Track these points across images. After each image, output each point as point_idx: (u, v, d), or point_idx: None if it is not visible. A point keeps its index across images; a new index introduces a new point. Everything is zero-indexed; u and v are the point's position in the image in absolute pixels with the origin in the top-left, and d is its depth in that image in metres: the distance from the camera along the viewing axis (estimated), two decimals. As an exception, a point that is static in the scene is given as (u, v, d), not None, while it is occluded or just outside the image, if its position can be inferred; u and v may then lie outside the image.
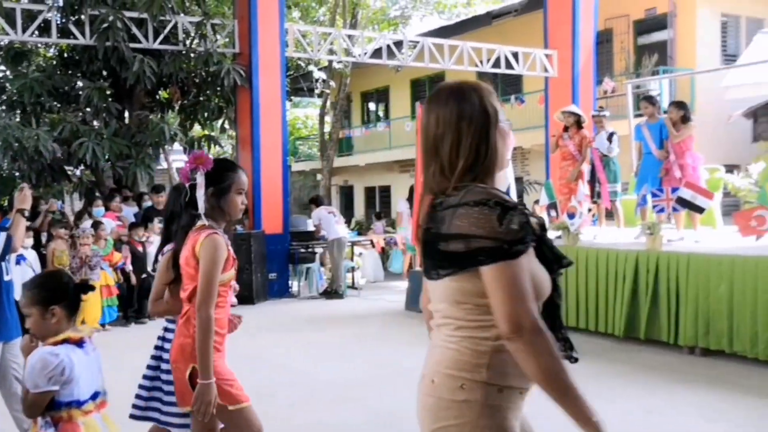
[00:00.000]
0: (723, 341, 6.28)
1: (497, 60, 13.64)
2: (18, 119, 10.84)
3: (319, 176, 23.90)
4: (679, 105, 8.50)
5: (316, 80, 18.93)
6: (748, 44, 14.91)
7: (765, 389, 5.46)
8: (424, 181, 1.92)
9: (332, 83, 19.79)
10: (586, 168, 9.43)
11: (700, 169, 8.41)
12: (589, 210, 9.64)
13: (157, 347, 3.36)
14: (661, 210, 8.15)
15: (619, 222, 9.25)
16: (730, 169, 11.40)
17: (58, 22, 10.79)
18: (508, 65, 13.74)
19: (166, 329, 3.35)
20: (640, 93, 13.05)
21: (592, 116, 9.60)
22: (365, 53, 12.99)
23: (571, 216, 8.36)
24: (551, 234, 9.08)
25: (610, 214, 9.54)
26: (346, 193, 25.17)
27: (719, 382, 5.72)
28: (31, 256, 8.31)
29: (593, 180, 9.40)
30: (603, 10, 14.36)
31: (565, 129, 9.49)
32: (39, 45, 12.48)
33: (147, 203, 11.03)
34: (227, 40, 11.70)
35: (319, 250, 12.04)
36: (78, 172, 12.41)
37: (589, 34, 13.78)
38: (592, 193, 9.35)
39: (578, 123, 9.39)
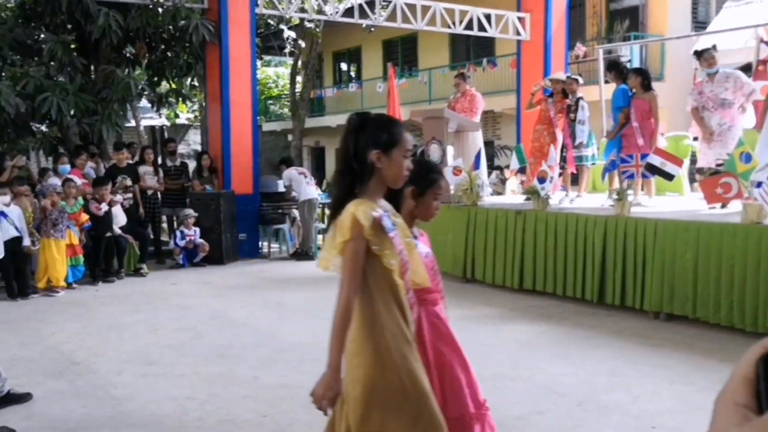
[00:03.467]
0: (687, 306, 6.38)
1: (470, 22, 13.52)
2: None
3: (290, 137, 23.66)
4: (637, 71, 8.54)
5: (287, 39, 18.63)
6: (717, 12, 14.97)
7: (726, 353, 5.58)
8: None
9: (302, 43, 19.48)
10: (560, 135, 9.46)
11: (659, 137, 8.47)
12: (560, 175, 9.70)
13: None
14: (631, 176, 8.23)
15: (581, 188, 9.32)
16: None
17: (20, -29, 10.44)
18: (481, 27, 13.63)
19: None
20: (612, 58, 13.06)
21: (566, 78, 9.60)
22: (337, 12, 12.77)
23: (542, 180, 8.39)
24: (520, 198, 9.17)
25: (575, 180, 9.60)
26: (317, 155, 25.01)
27: (682, 346, 5.83)
28: (14, 213, 8.18)
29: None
30: (577, -27, 14.30)
31: (550, 95, 9.51)
32: (-1, -5, 12.07)
33: (112, 161, 10.84)
34: (196, -6, 11.42)
35: (289, 211, 11.95)
36: (43, 128, 12.11)
37: (562, -2, 13.71)
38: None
39: (564, 91, 9.41)
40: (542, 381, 5.04)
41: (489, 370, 5.26)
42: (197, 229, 10.46)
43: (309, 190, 11.30)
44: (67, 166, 9.86)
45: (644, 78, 8.32)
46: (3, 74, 11.19)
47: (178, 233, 10.52)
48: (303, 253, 11.20)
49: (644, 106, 8.17)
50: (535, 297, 7.88)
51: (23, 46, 11.41)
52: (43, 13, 11.29)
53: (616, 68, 8.90)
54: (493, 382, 5.04)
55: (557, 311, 7.26)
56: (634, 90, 8.32)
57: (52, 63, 11.20)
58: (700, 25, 15.28)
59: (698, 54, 8.04)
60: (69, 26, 11.28)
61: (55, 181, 9.48)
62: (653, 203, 8.10)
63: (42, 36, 11.03)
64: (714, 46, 7.89)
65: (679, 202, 8.67)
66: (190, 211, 10.55)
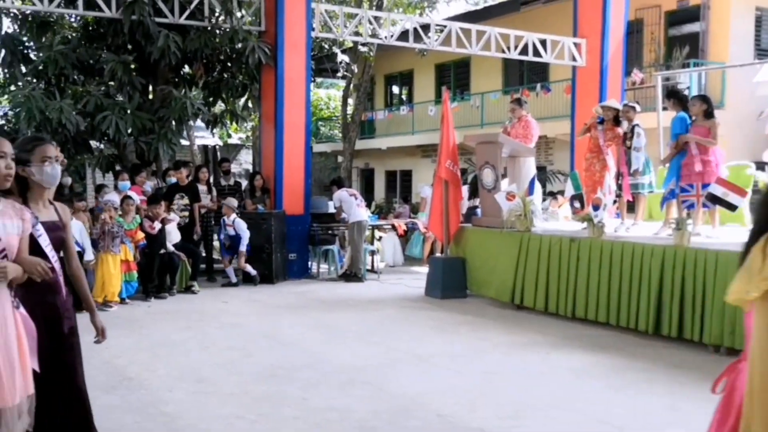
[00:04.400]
0: (749, 341, 6.14)
1: (524, 47, 13.46)
2: (42, 90, 10.80)
3: (339, 158, 23.82)
4: (701, 98, 8.33)
5: (340, 62, 18.81)
6: (782, 39, 14.60)
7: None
8: None
9: (355, 66, 19.64)
10: (612, 162, 9.30)
11: (722, 166, 8.22)
12: (614, 202, 9.52)
13: None
14: (691, 206, 8.01)
15: (638, 216, 9.11)
16: (761, 165, 11.18)
17: (85, -6, 10.75)
18: (536, 53, 13.55)
19: None
20: (670, 85, 12.83)
21: (623, 106, 9.44)
22: (391, 36, 12.85)
23: (596, 208, 8.23)
24: (576, 225, 8.99)
25: (632, 208, 9.40)
26: (367, 176, 25.08)
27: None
28: (76, 228, 8.39)
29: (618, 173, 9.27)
30: (634, -1, 14.13)
31: (601, 122, 9.38)
32: (64, 16, 12.44)
33: (171, 179, 11.02)
34: (253, 17, 11.61)
35: (338, 232, 11.98)
36: (101, 146, 12.40)
37: (619, 24, 13.54)
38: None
39: (616, 118, 9.27)
40: (597, 413, 4.89)
41: (541, 400, 5.14)
42: (241, 225, 10.43)
43: (359, 212, 11.30)
44: (127, 183, 10.07)
45: (708, 105, 8.12)
46: (65, 93, 11.51)
47: (221, 223, 10.61)
48: (352, 275, 11.18)
49: (703, 134, 7.97)
50: (587, 326, 7.70)
51: (85, 65, 11.73)
52: (105, 33, 11.62)
53: (675, 96, 8.72)
54: (545, 411, 4.92)
55: (611, 341, 7.07)
56: (694, 117, 8.12)
57: (112, 82, 11.50)
58: (762, 52, 14.91)
59: None
60: (129, 47, 11.58)
61: (113, 196, 9.68)
62: (717, 234, 7.85)
63: (103, 56, 11.32)
64: None
65: (740, 233, 8.38)
66: (231, 200, 10.59)
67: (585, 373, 5.89)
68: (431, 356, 6.44)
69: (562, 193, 11.95)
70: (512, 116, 10.27)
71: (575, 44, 13.72)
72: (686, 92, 13.18)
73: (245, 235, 10.37)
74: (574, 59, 13.76)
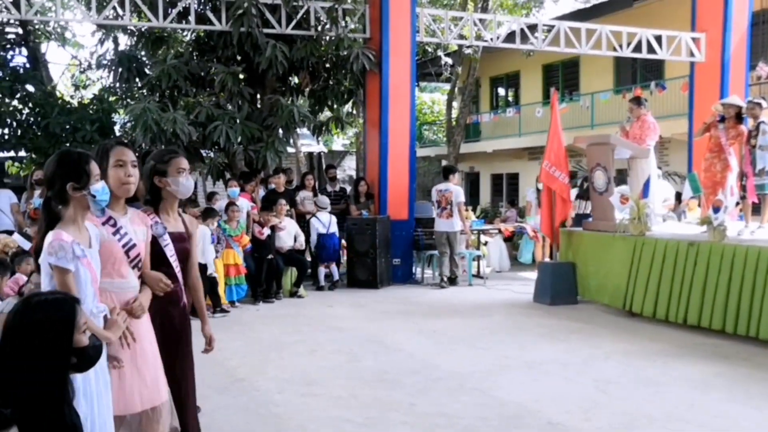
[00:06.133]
0: None
1: (638, 44, 12.92)
2: (157, 103, 11.30)
3: (444, 162, 23.72)
4: None
5: (444, 65, 18.71)
6: None
7: None
8: None
9: (459, 69, 19.47)
10: (734, 161, 8.77)
11: None
12: (737, 204, 8.97)
13: None
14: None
15: (764, 219, 8.52)
16: None
17: (197, 8, 11.16)
18: (650, 49, 12.99)
19: None
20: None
21: (747, 102, 8.89)
22: (497, 38, 12.64)
23: (716, 210, 7.76)
24: (697, 228, 8.52)
25: (757, 210, 8.81)
26: (472, 180, 24.84)
27: None
28: (204, 234, 8.79)
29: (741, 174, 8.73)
30: (759, -12, 13.31)
31: (722, 120, 8.87)
32: (177, 31, 12.98)
33: (272, 185, 11.27)
34: (358, 25, 11.71)
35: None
36: (211, 154, 12.85)
37: (743, 15, 12.76)
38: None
39: (738, 115, 8.75)
40: (721, 426, 4.57)
41: (662, 411, 4.86)
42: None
43: (438, 221, 11.09)
44: (236, 190, 10.35)
45: None
46: (178, 104, 12.00)
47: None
48: (450, 279, 10.98)
49: None
50: (703, 334, 7.24)
51: (196, 78, 12.19)
52: (215, 46, 12.03)
53: None
54: (663, 423, 4.64)
55: (732, 351, 6.62)
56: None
57: (222, 93, 11.88)
58: None
59: None
60: (238, 58, 11.93)
61: (220, 203, 10.02)
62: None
63: (214, 68, 11.72)
64: None
65: None
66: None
67: (705, 384, 5.53)
68: (541, 363, 6.23)
69: (679, 195, 11.36)
70: (630, 116, 9.86)
71: (693, 39, 13.05)
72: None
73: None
74: (692, 55, 13.10)
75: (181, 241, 3.42)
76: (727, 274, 7.13)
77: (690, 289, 7.52)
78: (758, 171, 8.45)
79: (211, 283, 8.77)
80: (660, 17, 14.84)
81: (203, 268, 8.72)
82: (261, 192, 11.08)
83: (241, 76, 11.98)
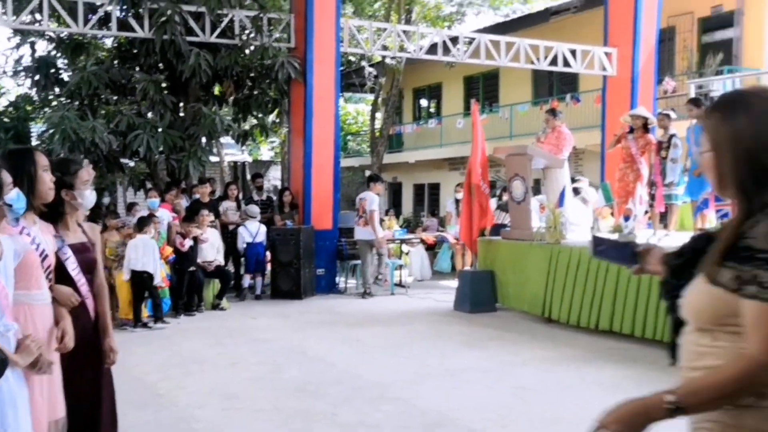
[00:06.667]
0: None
1: (554, 58, 13.38)
2: (76, 111, 11.00)
3: (367, 172, 23.87)
4: None
5: (368, 75, 18.88)
6: (819, 45, 14.31)
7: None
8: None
9: (383, 79, 19.68)
10: (645, 171, 9.19)
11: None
12: (646, 212, 9.39)
13: None
14: (725, 215, 7.87)
15: (670, 226, 8.97)
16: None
17: (118, 15, 10.95)
18: (566, 63, 13.46)
19: None
20: (703, 93, 12.64)
21: (657, 114, 9.35)
22: (420, 49, 12.86)
23: (626, 218, 8.13)
24: (607, 235, 8.88)
25: (664, 218, 9.26)
26: (395, 190, 25.08)
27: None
28: (149, 247, 8.66)
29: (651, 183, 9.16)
30: (666, 7, 13.95)
31: (630, 131, 9.28)
32: (98, 37, 12.67)
33: (196, 196, 11.13)
34: (283, 34, 11.71)
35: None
36: (132, 164, 12.59)
37: (651, 32, 13.39)
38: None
39: (645, 126, 9.16)
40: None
41: (575, 414, 5.05)
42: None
43: (356, 229, 11.19)
44: (157, 200, 10.17)
45: None
46: (98, 113, 11.71)
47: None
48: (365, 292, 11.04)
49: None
50: (615, 339, 7.55)
51: (117, 85, 11.93)
52: (137, 53, 11.82)
53: (696, 103, 8.61)
54: (577, 426, 4.81)
55: (641, 354, 6.94)
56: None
57: (143, 101, 11.67)
58: (797, 58, 14.63)
59: None
60: (161, 66, 11.75)
61: (143, 214, 9.81)
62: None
63: (135, 76, 11.50)
64: None
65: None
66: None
67: (615, 387, 5.76)
68: (462, 371, 6.37)
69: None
70: (546, 127, 10.20)
71: (606, 54, 13.60)
72: (703, 100, 12.99)
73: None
74: (604, 69, 13.64)
75: (85, 252, 3.29)
76: (636, 281, 7.45)
77: (602, 295, 7.82)
78: (667, 182, 8.88)
79: (153, 294, 8.60)
80: (575, 32, 15.38)
81: (150, 278, 8.58)
82: (184, 202, 10.92)
83: (164, 85, 11.80)
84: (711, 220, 8.17)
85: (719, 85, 13.11)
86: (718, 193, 1.76)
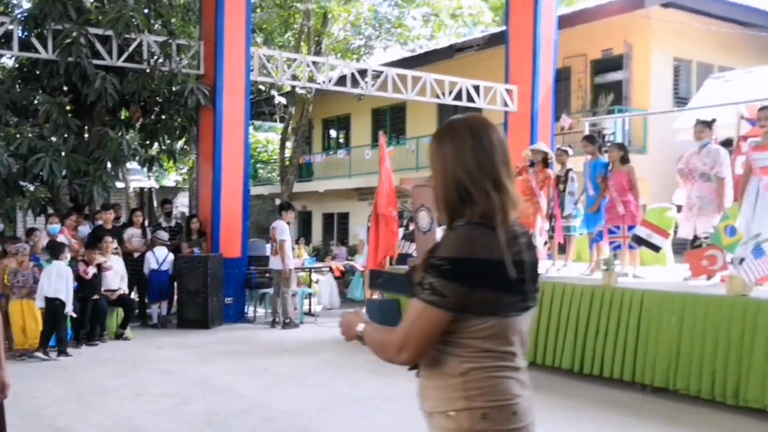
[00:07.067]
0: (670, 378, 6.38)
1: (458, 93, 13.86)
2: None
3: (277, 201, 23.79)
4: (618, 146, 8.78)
5: (278, 104, 18.94)
6: (698, 88, 15.42)
7: (708, 425, 5.60)
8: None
9: (292, 109, 19.80)
10: (544, 204, 9.62)
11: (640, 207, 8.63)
12: (545, 243, 9.81)
13: None
14: (618, 247, 8.34)
15: (568, 257, 9.42)
16: (681, 208, 11.70)
17: (20, 35, 10.63)
18: (470, 98, 13.96)
19: None
20: (597, 131, 13.38)
21: (555, 150, 9.82)
22: (329, 80, 13.07)
23: (528, 249, 8.47)
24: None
25: (562, 249, 9.70)
26: (305, 219, 25.09)
27: (668, 418, 5.84)
28: (63, 274, 8.46)
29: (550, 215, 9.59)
30: (562, 48, 14.73)
31: (531, 164, 9.70)
32: (-2, 57, 12.27)
33: (99, 222, 10.86)
34: (192, 60, 11.67)
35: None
36: (32, 188, 12.15)
37: (548, 71, 14.11)
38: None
39: (545, 160, 9.61)
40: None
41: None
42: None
43: (270, 258, 11.19)
44: (57, 226, 9.86)
45: (624, 152, 8.55)
46: (-2, 134, 11.29)
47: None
48: (284, 323, 10.96)
49: (623, 179, 8.35)
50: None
51: (19, 107, 11.55)
52: (40, 74, 11.49)
53: (591, 141, 9.15)
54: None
55: (542, 381, 7.21)
56: (612, 163, 8.52)
57: (46, 124, 11.33)
58: (681, 100, 15.71)
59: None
60: (66, 88, 11.45)
61: (43, 240, 9.50)
62: (643, 274, 8.18)
63: (38, 97, 11.16)
64: (706, 121, 8.00)
65: (664, 274, 8.77)
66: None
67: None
68: (369, 399, 6.48)
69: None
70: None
71: (507, 90, 14.20)
72: (611, 137, 13.77)
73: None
74: (506, 105, 14.22)
75: None
76: (536, 309, 7.77)
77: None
78: (566, 215, 9.34)
79: (59, 324, 8.34)
80: (478, 69, 16.00)
81: (62, 305, 8.28)
82: (87, 228, 10.61)
83: (68, 108, 11.49)
84: (605, 252, 8.64)
85: (611, 124, 13.93)
86: (436, 213, 2.03)
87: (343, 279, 14.14)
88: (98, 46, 10.73)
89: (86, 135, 12.00)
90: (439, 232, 9.81)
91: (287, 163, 21.25)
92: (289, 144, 22.28)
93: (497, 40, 15.96)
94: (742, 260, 6.19)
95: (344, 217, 23.08)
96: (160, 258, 10.65)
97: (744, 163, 7.63)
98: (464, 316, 1.85)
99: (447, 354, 1.91)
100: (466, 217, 1.90)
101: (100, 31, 10.72)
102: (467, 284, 1.81)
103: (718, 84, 14.36)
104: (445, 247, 1.86)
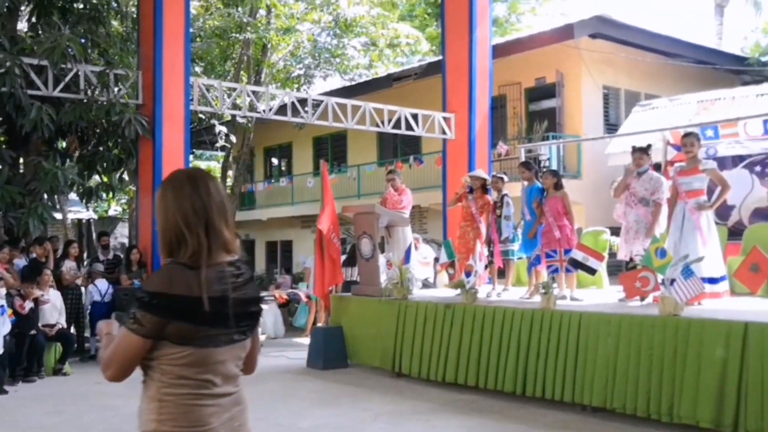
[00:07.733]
0: (613, 398, 6.54)
1: (398, 121, 14.08)
2: None
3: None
4: (552, 173, 9.11)
5: (218, 133, 18.86)
6: (626, 115, 16.07)
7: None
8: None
9: (234, 138, 19.76)
10: (484, 229, 9.84)
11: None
12: (486, 268, 10.03)
13: None
14: (555, 270, 8.59)
15: (508, 281, 9.64)
16: (615, 231, 12.12)
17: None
18: (408, 126, 14.19)
19: None
20: (532, 157, 13.78)
21: (492, 177, 10.08)
22: (270, 109, 13.13)
23: (468, 274, 8.68)
24: (450, 291, 9.39)
25: (502, 274, 9.92)
26: (248, 248, 24.91)
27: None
28: None
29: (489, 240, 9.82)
30: (497, 77, 15.14)
31: (470, 191, 9.94)
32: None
33: (33, 255, 10.61)
34: (131, 90, 11.56)
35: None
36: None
37: (485, 99, 14.47)
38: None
39: (483, 186, 9.85)
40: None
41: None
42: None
43: None
44: (-11, 260, 9.60)
45: (557, 179, 8.87)
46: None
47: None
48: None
49: (558, 204, 8.65)
50: (463, 391, 7.92)
51: (-52, 138, 11.26)
52: (-28, 106, 11.21)
53: (528, 167, 9.45)
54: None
55: (487, 404, 7.36)
56: (547, 189, 8.82)
57: (-21, 155, 11.05)
58: (611, 126, 16.33)
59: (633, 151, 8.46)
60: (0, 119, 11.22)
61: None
62: (580, 296, 8.44)
63: (-30, 129, 10.93)
64: (643, 148, 8.34)
65: (601, 295, 9.04)
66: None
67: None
68: (314, 429, 6.50)
69: (436, 260, 12.43)
70: (389, 186, 10.78)
71: (445, 118, 14.48)
72: (547, 163, 14.20)
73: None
74: (444, 132, 14.50)
75: None
76: (479, 334, 7.94)
77: (448, 348, 8.24)
78: (503, 239, 9.57)
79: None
80: (416, 98, 16.30)
81: None
82: (22, 261, 10.35)
83: (2, 138, 11.24)
84: (543, 276, 8.88)
85: (546, 150, 14.37)
86: (161, 253, 2.26)
87: (288, 307, 14.09)
88: (33, 76, 10.55)
89: (21, 167, 11.74)
90: (382, 259, 9.94)
91: (229, 191, 21.12)
92: (230, 173, 22.16)
93: (434, 69, 16.31)
94: (672, 281, 6.48)
95: (288, 245, 23.03)
96: (103, 290, 10.48)
97: (671, 187, 8.01)
98: (162, 344, 2.09)
99: (151, 379, 2.15)
100: (178, 257, 2.14)
101: (35, 61, 10.55)
102: (163, 316, 2.05)
103: (645, 111, 15.00)
104: (149, 283, 2.15)
